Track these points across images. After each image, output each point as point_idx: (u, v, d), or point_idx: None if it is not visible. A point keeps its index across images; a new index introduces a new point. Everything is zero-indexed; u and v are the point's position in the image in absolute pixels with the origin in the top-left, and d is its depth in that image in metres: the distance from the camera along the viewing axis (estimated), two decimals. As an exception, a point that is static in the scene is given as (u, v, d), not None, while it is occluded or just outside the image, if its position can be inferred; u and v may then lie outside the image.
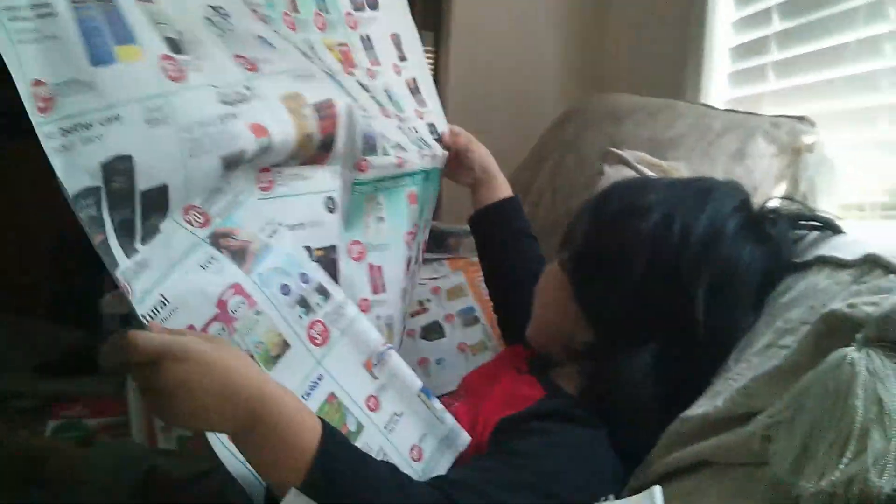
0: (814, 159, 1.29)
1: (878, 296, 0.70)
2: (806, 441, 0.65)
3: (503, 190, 1.31)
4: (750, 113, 1.47)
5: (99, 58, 0.70)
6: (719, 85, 1.84)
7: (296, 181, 0.92)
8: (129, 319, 1.59)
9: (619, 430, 0.88)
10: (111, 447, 1.11)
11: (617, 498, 0.81)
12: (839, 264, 0.85)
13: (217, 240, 0.79)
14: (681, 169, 1.40)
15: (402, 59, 1.27)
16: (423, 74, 1.30)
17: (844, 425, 0.62)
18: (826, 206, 1.27)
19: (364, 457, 0.76)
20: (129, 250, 0.70)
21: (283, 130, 0.87)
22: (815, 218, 0.98)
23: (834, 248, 0.89)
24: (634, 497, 0.64)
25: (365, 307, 1.03)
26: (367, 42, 1.20)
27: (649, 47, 2.16)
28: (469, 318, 1.49)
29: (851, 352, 0.65)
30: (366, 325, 0.91)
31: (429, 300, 1.50)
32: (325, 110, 0.94)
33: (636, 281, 0.90)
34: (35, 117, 0.64)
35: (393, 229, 1.11)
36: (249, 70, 0.87)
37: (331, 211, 0.96)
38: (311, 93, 0.93)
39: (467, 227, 1.39)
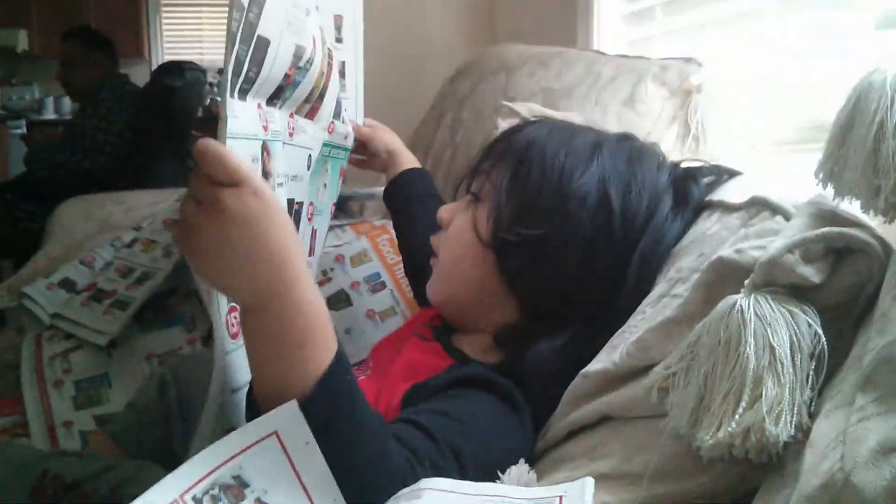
0: (703, 100, 1.30)
1: (764, 239, 0.70)
2: (702, 392, 0.65)
3: (409, 162, 1.35)
4: (639, 57, 1.47)
5: None
6: (614, 28, 1.83)
7: (301, 133, 0.93)
8: (19, 315, 1.54)
9: (532, 398, 0.88)
10: (3, 451, 1.06)
11: (528, 461, 0.80)
12: (727, 208, 0.85)
13: (263, 151, 0.78)
14: (574, 120, 1.39)
15: (338, 40, 1.24)
16: (354, 61, 1.28)
17: (737, 374, 0.62)
18: (717, 146, 1.30)
19: (364, 401, 0.71)
20: (231, 90, 0.70)
21: (319, 55, 0.88)
22: (720, 171, 0.98)
23: (724, 192, 0.90)
24: (566, 484, 0.63)
25: None
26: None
27: (540, -6, 2.14)
28: (376, 284, 1.47)
29: (740, 299, 0.65)
30: None
31: (332, 269, 1.47)
32: (330, 57, 0.96)
33: (575, 265, 0.89)
34: None
35: (329, 198, 1.13)
36: None
37: (308, 168, 0.98)
38: (326, 33, 0.96)
39: (369, 190, 1.36)
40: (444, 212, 1.04)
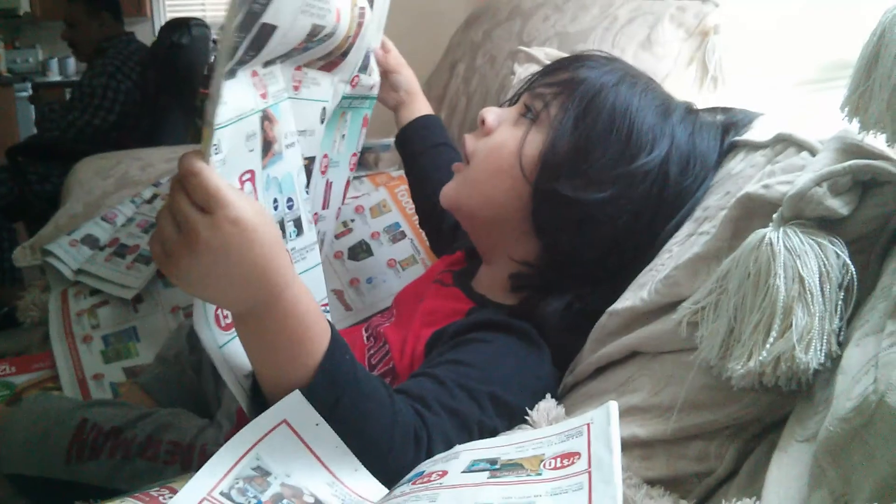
0: (721, 41, 1.30)
1: (791, 174, 0.71)
2: (731, 324, 0.66)
3: (424, 108, 1.32)
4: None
5: None
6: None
7: (312, 86, 0.91)
8: (43, 272, 1.56)
9: (548, 341, 0.89)
10: (40, 403, 1.08)
11: (554, 396, 0.82)
12: (753, 147, 0.85)
13: (263, 120, 0.76)
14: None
15: None
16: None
17: (768, 305, 0.63)
18: (736, 87, 1.29)
19: (364, 372, 0.74)
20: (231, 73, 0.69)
21: (344, 24, 0.87)
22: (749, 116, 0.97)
23: (748, 131, 0.90)
24: (592, 412, 0.65)
25: (315, 219, 1.03)
26: None
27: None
28: (396, 234, 1.48)
29: (769, 232, 0.66)
30: (320, 276, 0.90)
31: (352, 220, 1.48)
32: (361, 17, 0.93)
33: (612, 236, 0.89)
34: None
35: (347, 148, 1.12)
36: None
37: (322, 121, 0.96)
38: None
39: (384, 141, 1.35)
40: (489, 113, 0.99)
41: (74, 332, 1.44)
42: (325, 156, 1.03)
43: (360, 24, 0.93)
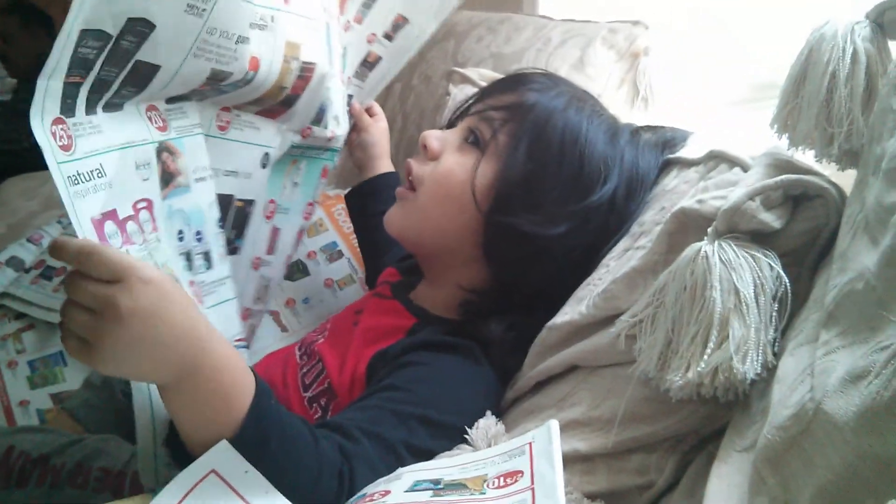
0: (651, 62, 1.32)
1: (724, 189, 0.73)
2: (669, 336, 0.67)
3: (383, 167, 1.29)
4: (587, 21, 1.48)
5: None
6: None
7: (247, 129, 0.92)
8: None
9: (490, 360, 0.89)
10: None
11: (495, 413, 0.82)
12: (686, 164, 0.87)
13: (161, 152, 0.76)
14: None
15: (387, 37, 1.22)
16: (390, 61, 1.25)
17: (704, 317, 0.64)
18: (665, 107, 1.32)
19: (288, 415, 0.72)
20: (90, 108, 0.67)
21: (269, 73, 0.87)
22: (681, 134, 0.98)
23: (680, 149, 0.92)
24: (532, 431, 0.65)
25: (256, 264, 1.04)
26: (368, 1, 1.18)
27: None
28: (333, 253, 1.46)
29: (704, 245, 0.67)
30: (232, 310, 0.90)
31: (287, 239, 1.46)
32: (306, 71, 0.94)
33: (568, 266, 0.89)
34: None
35: (301, 196, 1.12)
36: (284, 1, 0.87)
37: (263, 166, 0.96)
38: (307, 47, 0.93)
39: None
40: (432, 139, 0.96)
41: (-1, 357, 1.39)
42: (272, 201, 1.03)
43: (304, 79, 0.93)
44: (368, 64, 1.23)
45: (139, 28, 0.66)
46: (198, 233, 0.83)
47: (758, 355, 0.62)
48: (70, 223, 1.58)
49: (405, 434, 0.78)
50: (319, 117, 1.04)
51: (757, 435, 0.58)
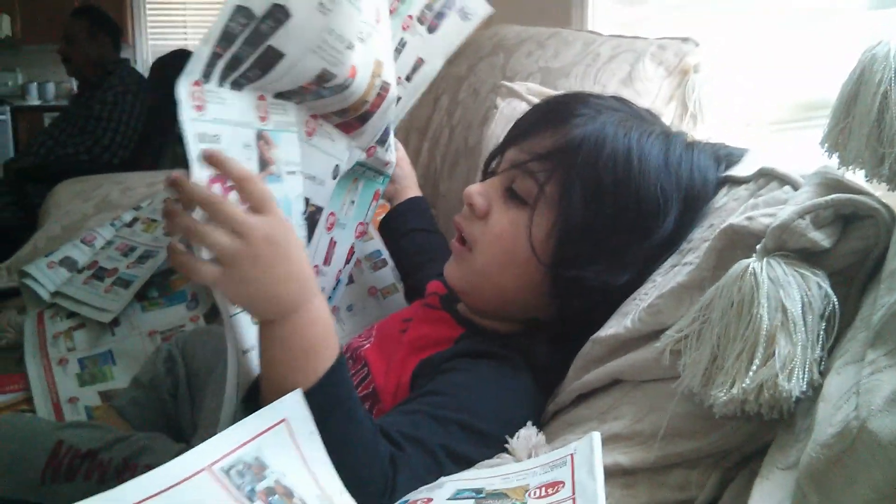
0: (700, 79, 1.32)
1: (774, 207, 0.72)
2: (715, 352, 0.67)
3: (411, 195, 1.37)
4: (636, 37, 1.48)
5: None
6: (607, 9, 1.85)
7: (326, 139, 0.96)
8: (10, 294, 1.55)
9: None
10: (14, 423, 1.07)
11: (535, 423, 0.82)
12: (736, 181, 0.87)
13: (259, 140, 0.81)
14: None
15: (408, 79, 1.31)
16: (408, 100, 1.34)
17: (751, 334, 0.64)
18: (714, 125, 1.32)
19: (358, 399, 0.77)
20: (221, 81, 0.74)
21: (360, 84, 0.92)
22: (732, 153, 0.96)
23: (731, 167, 0.92)
24: (575, 442, 0.66)
25: (315, 271, 1.08)
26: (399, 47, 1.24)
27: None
28: (377, 262, 1.47)
29: (753, 262, 0.67)
30: None
31: (334, 246, 1.48)
32: (383, 90, 0.99)
33: (632, 267, 0.87)
34: None
35: (355, 215, 1.16)
36: (375, 18, 0.93)
37: (334, 178, 1.01)
38: (387, 68, 0.98)
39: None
40: (477, 196, 0.94)
41: (50, 354, 1.42)
42: (333, 213, 1.07)
43: (381, 97, 0.98)
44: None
45: (278, 15, 0.73)
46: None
47: (804, 373, 0.62)
48: (121, 225, 1.63)
49: (445, 439, 0.78)
50: (384, 138, 1.09)
51: (800, 454, 0.58)
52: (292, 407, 0.67)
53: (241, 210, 0.68)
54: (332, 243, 1.11)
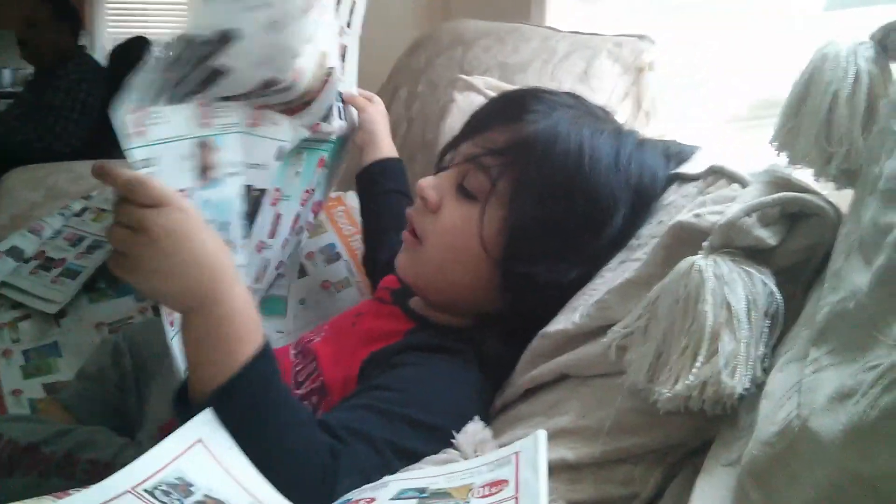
0: (655, 77, 1.33)
1: (722, 204, 0.73)
2: (660, 348, 0.67)
3: (387, 151, 1.32)
4: (594, 34, 1.49)
5: None
6: (566, 5, 1.85)
7: (270, 125, 0.97)
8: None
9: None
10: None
11: (483, 417, 0.82)
12: (685, 178, 0.87)
13: (202, 147, 0.82)
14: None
15: (348, 25, 1.25)
16: (354, 45, 1.29)
17: (695, 330, 0.64)
18: (668, 122, 1.32)
19: (287, 390, 0.76)
20: (168, 100, 0.75)
21: (304, 82, 0.93)
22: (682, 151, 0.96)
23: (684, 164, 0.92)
24: (520, 441, 0.65)
25: (259, 248, 1.10)
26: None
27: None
28: (331, 255, 1.47)
29: (699, 259, 0.67)
30: None
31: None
32: (328, 75, 1.00)
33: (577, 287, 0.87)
34: None
35: (300, 184, 1.16)
36: (319, 13, 0.93)
37: (277, 159, 1.01)
38: (332, 55, 1.00)
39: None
40: (430, 189, 0.94)
41: (-6, 345, 1.39)
42: (277, 189, 1.07)
43: (325, 82, 0.99)
44: (342, 56, 1.25)
45: (227, 38, 0.74)
46: (223, 223, 0.89)
47: (746, 370, 0.62)
48: (71, 215, 1.60)
49: (391, 434, 0.78)
50: (327, 115, 1.09)
51: (743, 450, 0.57)
52: (205, 425, 0.68)
53: (141, 207, 0.68)
54: (278, 216, 1.11)
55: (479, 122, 0.97)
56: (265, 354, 0.72)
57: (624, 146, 0.91)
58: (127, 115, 0.70)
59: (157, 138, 0.72)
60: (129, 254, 0.68)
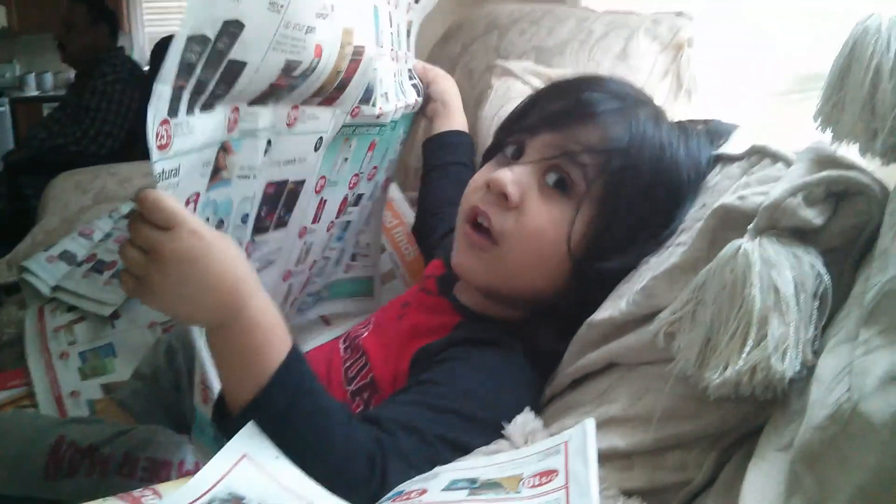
0: (695, 53, 1.31)
1: (766, 185, 0.72)
2: (708, 334, 0.67)
3: (457, 123, 1.35)
4: (630, 12, 1.47)
5: None
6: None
7: (310, 121, 0.95)
8: (10, 289, 1.55)
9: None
10: (16, 420, 1.07)
11: (534, 408, 0.82)
12: (728, 159, 0.86)
13: (220, 150, 0.80)
14: (568, 76, 1.40)
15: (416, 0, 1.27)
16: (417, 21, 1.31)
17: (744, 315, 0.64)
18: (710, 98, 1.31)
19: (321, 389, 0.76)
20: (190, 109, 0.73)
21: (329, 60, 0.90)
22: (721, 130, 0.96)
23: (724, 144, 0.91)
24: (568, 430, 0.65)
25: (302, 233, 1.10)
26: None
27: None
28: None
29: (745, 242, 0.66)
30: None
31: (329, 232, 1.48)
32: (357, 54, 0.96)
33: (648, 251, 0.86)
34: None
35: (349, 170, 1.16)
36: None
37: (316, 150, 1.00)
38: (358, 31, 0.96)
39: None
40: (510, 185, 0.89)
41: (51, 348, 1.42)
42: (323, 177, 1.08)
43: (356, 61, 0.96)
44: (408, 32, 1.28)
45: (231, 30, 0.72)
46: (221, 221, 0.87)
47: (797, 354, 0.62)
48: (119, 217, 1.62)
49: (441, 428, 0.78)
50: (368, 97, 1.07)
51: (795, 434, 0.57)
52: (248, 439, 0.69)
53: (153, 229, 0.67)
54: (322, 202, 1.12)
55: (557, 114, 0.92)
56: (292, 361, 0.73)
57: (691, 139, 0.92)
58: (150, 128, 0.69)
59: (178, 150, 0.70)
60: (144, 277, 0.68)
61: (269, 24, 0.76)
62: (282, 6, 0.77)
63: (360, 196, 1.25)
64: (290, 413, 0.71)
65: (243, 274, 0.72)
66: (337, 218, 1.21)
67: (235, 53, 0.74)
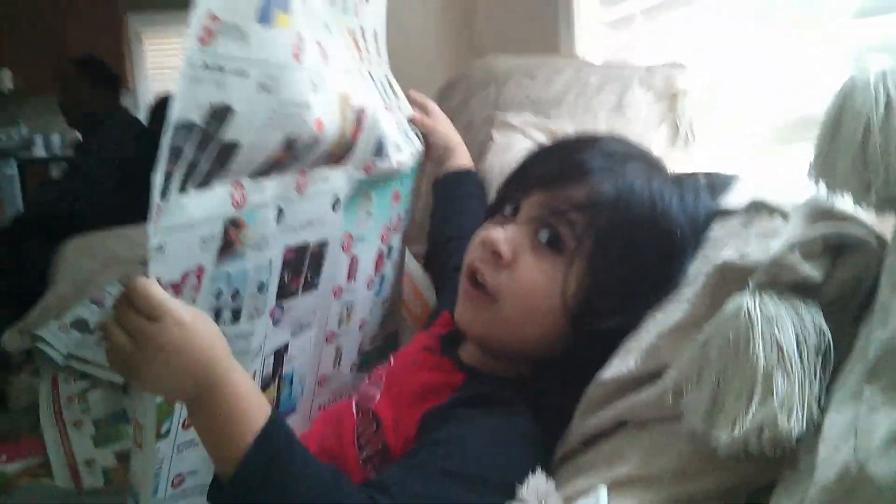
0: (690, 102, 1.33)
1: (765, 239, 0.73)
2: (714, 392, 0.67)
3: (462, 164, 1.39)
4: (625, 64, 1.50)
5: (264, 16, 0.77)
6: (595, 34, 1.86)
7: (320, 183, 0.97)
8: (32, 356, 1.56)
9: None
10: (33, 495, 1.07)
11: (545, 468, 0.82)
12: (727, 212, 0.87)
13: (229, 225, 0.81)
14: (567, 129, 1.42)
15: (378, 54, 1.29)
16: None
17: (748, 373, 0.65)
18: (706, 146, 1.32)
19: (305, 451, 0.78)
20: (183, 189, 0.75)
21: (331, 129, 0.92)
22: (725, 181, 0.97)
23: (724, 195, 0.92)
24: (580, 500, 0.66)
25: (337, 293, 1.12)
26: (362, 32, 1.21)
27: (520, 4, 2.16)
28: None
29: (746, 299, 0.67)
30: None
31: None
32: (359, 115, 1.00)
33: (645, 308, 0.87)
34: (191, 42, 0.70)
35: (375, 224, 1.17)
36: (322, 59, 0.92)
37: (334, 210, 1.02)
38: (355, 95, 0.99)
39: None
40: (504, 244, 0.91)
41: (65, 416, 1.43)
42: (349, 234, 1.09)
43: (359, 122, 0.98)
44: (390, 84, 1.30)
45: (220, 113, 0.74)
46: (236, 291, 0.87)
47: (803, 411, 0.62)
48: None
49: (445, 490, 0.79)
50: (378, 150, 1.09)
51: (804, 494, 0.57)
52: None
53: (140, 318, 0.71)
54: (354, 259, 1.13)
55: (548, 175, 0.94)
56: (270, 430, 0.75)
57: (687, 193, 0.92)
58: (152, 204, 0.72)
59: (165, 226, 0.73)
60: (126, 357, 0.72)
61: (261, 105, 0.78)
62: (272, 87, 0.78)
63: (390, 249, 1.26)
64: (266, 481, 0.73)
65: (217, 354, 0.75)
66: (375, 273, 1.22)
67: (228, 135, 0.75)
